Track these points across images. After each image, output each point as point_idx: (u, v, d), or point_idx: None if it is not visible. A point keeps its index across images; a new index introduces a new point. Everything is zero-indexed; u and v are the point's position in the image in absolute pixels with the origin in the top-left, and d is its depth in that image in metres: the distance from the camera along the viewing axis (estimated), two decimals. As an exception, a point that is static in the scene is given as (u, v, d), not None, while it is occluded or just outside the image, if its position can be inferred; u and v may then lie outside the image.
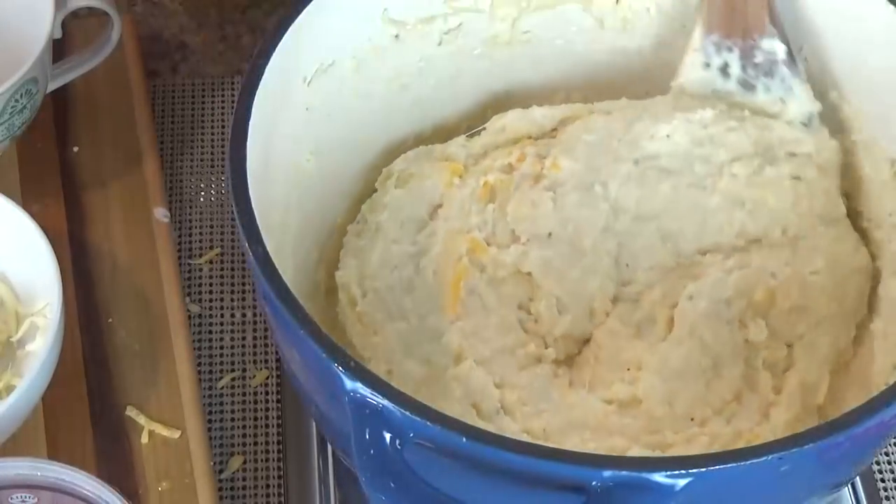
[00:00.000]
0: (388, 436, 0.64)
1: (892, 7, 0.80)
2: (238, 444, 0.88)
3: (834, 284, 0.81)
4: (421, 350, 0.79)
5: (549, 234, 0.83)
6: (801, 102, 0.85)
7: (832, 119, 0.85)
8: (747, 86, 0.85)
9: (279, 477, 0.87)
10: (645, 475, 0.63)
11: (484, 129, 0.91)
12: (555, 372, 0.80)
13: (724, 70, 0.86)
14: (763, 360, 0.79)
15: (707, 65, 0.86)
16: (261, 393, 0.91)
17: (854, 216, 0.86)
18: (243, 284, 0.95)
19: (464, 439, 0.63)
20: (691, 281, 0.82)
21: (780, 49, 0.84)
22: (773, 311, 0.80)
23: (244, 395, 0.91)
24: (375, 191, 0.87)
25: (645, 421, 0.76)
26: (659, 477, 0.62)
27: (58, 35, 0.95)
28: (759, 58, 0.84)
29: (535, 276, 0.82)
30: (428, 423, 0.64)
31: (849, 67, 0.84)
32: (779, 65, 0.84)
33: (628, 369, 0.79)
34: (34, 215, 0.85)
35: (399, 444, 0.64)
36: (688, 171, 0.85)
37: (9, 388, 0.81)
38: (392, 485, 0.63)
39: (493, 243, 0.84)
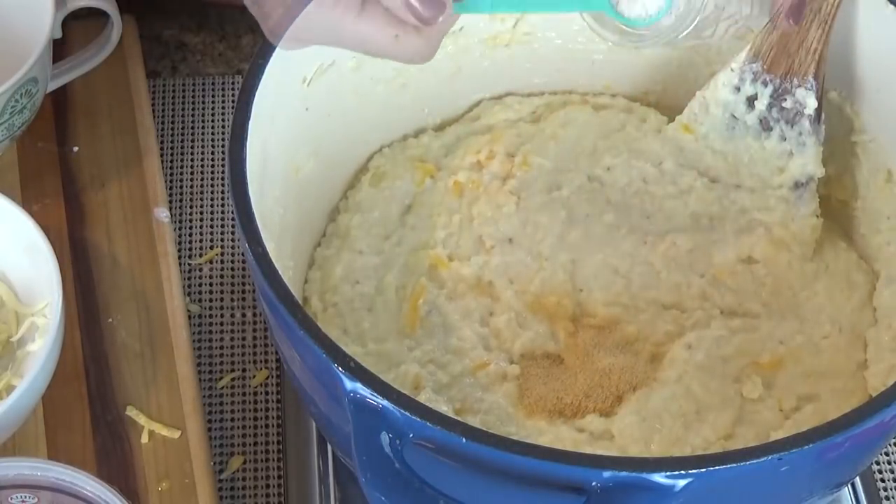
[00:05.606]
0: (387, 436, 0.64)
1: (892, 7, 0.80)
2: (238, 444, 0.88)
3: (848, 339, 0.81)
4: None
5: (510, 240, 0.83)
6: (807, 162, 0.84)
7: (834, 120, 0.85)
8: (765, 125, 0.84)
9: (279, 477, 0.87)
10: (645, 475, 0.63)
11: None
12: (522, 389, 0.79)
13: (751, 101, 0.84)
14: (769, 407, 0.78)
15: (737, 89, 0.84)
16: (261, 393, 0.90)
17: (849, 219, 0.86)
18: (243, 284, 0.95)
19: (464, 439, 0.63)
20: (674, 325, 0.81)
21: (811, 103, 0.82)
22: (782, 373, 0.79)
23: (244, 395, 0.90)
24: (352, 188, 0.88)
25: (617, 453, 0.75)
26: (659, 477, 0.62)
27: (58, 35, 0.95)
28: (788, 103, 0.83)
29: (496, 285, 0.82)
30: (428, 423, 0.64)
31: (850, 68, 0.84)
32: (803, 118, 0.83)
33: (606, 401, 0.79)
34: (34, 215, 0.85)
35: (399, 445, 0.64)
36: (626, 216, 0.84)
37: (9, 388, 0.81)
38: (392, 485, 0.63)
39: (455, 258, 0.84)
